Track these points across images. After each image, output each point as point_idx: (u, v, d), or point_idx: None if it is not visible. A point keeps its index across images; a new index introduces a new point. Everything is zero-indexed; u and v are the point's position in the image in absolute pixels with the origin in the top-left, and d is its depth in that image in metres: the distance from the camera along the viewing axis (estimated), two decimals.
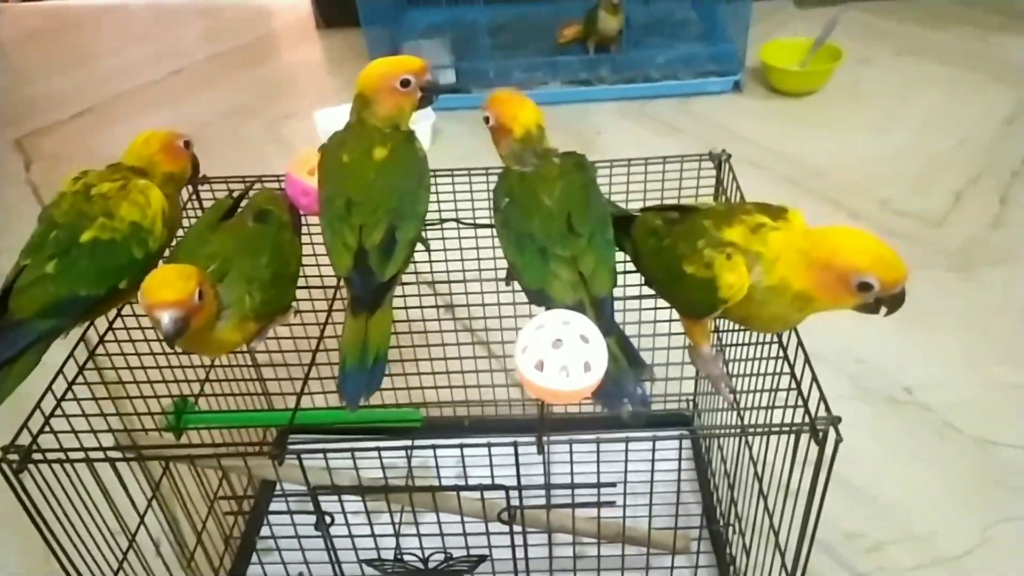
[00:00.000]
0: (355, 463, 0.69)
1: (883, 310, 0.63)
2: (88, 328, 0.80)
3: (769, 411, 0.71)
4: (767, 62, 2.04)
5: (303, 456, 0.69)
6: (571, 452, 0.68)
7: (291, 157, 0.85)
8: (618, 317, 0.71)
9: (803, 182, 1.72)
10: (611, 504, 0.71)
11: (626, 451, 0.66)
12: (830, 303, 0.63)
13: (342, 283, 0.76)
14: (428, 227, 0.92)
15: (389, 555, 0.78)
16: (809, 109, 2.01)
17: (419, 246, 0.79)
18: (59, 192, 0.78)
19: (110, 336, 0.83)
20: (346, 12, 2.32)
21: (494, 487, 0.69)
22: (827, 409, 0.63)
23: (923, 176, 1.72)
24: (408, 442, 0.69)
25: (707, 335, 0.74)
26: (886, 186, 1.69)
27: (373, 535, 0.74)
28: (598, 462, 0.67)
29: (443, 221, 0.96)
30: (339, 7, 2.49)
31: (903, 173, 1.73)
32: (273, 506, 1.08)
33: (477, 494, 0.74)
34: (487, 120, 0.79)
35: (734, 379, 0.84)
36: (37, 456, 0.67)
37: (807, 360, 0.68)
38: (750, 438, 0.86)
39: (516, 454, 0.65)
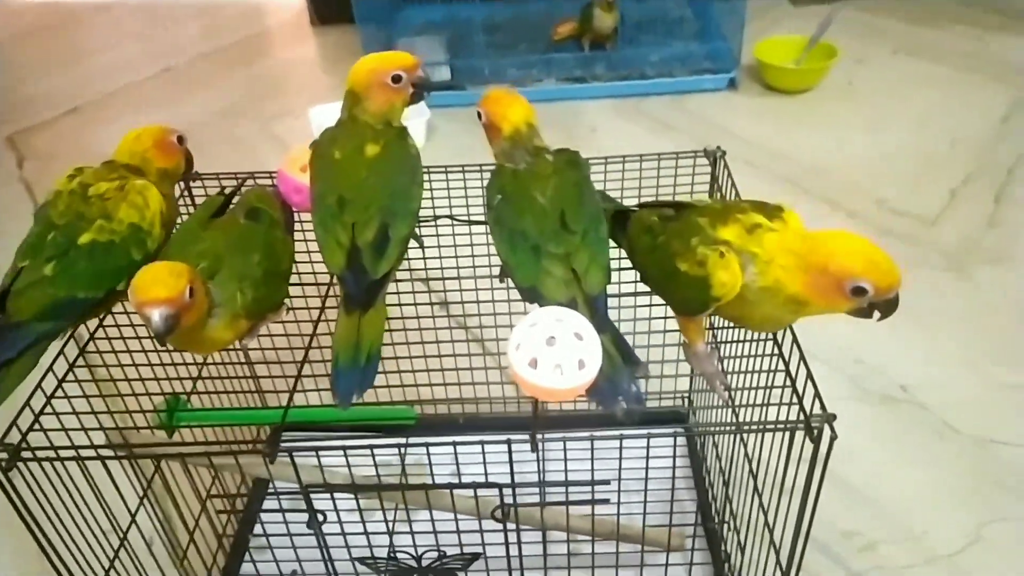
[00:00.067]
0: (347, 461, 0.69)
1: (876, 314, 0.62)
2: (78, 325, 0.79)
3: (764, 408, 0.71)
4: (762, 60, 2.04)
5: (295, 454, 0.68)
6: (565, 449, 0.67)
7: (284, 155, 0.84)
8: (613, 314, 0.70)
9: (798, 180, 1.72)
10: (605, 502, 0.71)
11: (620, 448, 0.66)
12: (824, 307, 0.63)
13: (335, 280, 0.75)
14: (422, 224, 0.91)
15: (382, 553, 0.78)
16: (804, 107, 2.01)
17: (413, 243, 0.78)
18: (54, 190, 0.78)
19: (101, 333, 0.82)
20: (341, 9, 2.31)
21: (488, 485, 0.69)
22: (822, 406, 0.63)
23: (918, 175, 1.72)
24: (401, 440, 0.69)
25: (701, 333, 0.74)
26: (881, 185, 1.69)
27: (366, 532, 0.74)
28: (592, 459, 0.66)
29: (437, 218, 0.96)
30: (334, 4, 2.48)
31: (898, 172, 1.73)
32: (266, 504, 1.07)
33: (471, 492, 0.74)
34: (480, 116, 0.79)
35: (729, 376, 0.84)
36: (27, 454, 0.66)
37: (802, 358, 0.68)
38: (745, 435, 0.86)
39: (510, 451, 0.65)
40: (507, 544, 0.73)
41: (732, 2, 2.01)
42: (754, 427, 0.67)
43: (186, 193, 0.95)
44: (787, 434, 0.65)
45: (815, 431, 0.62)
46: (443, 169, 0.96)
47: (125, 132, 0.83)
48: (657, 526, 0.87)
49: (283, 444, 0.67)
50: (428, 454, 0.69)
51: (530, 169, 0.75)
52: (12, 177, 1.94)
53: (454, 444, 0.66)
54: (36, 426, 0.70)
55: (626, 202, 0.88)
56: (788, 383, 0.68)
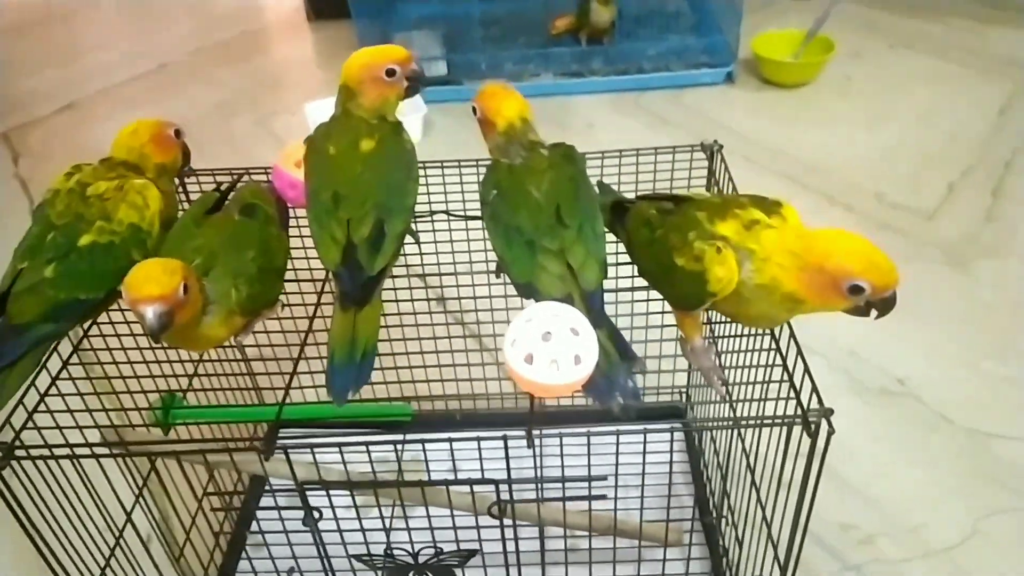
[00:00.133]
0: (343, 458, 0.69)
1: (874, 313, 0.62)
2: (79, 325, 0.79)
3: (762, 403, 0.71)
4: (759, 54, 2.03)
5: (291, 451, 0.68)
6: (561, 445, 0.67)
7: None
8: (611, 309, 0.70)
9: (795, 174, 1.72)
10: (602, 497, 0.70)
11: (616, 444, 0.65)
12: (821, 305, 0.63)
13: (330, 276, 0.75)
14: (418, 219, 0.91)
15: (379, 550, 0.78)
16: (801, 101, 2.00)
17: (408, 239, 0.78)
18: (52, 189, 0.77)
19: (95, 330, 0.82)
20: (337, 4, 2.31)
21: (484, 481, 0.68)
22: (819, 401, 0.63)
23: (916, 169, 1.72)
24: (397, 436, 0.69)
25: (698, 327, 0.74)
26: (879, 179, 1.68)
27: (362, 529, 0.74)
28: (588, 455, 0.66)
29: (433, 213, 0.95)
30: None
31: (896, 165, 1.73)
32: (263, 502, 1.07)
33: (468, 488, 0.73)
34: (475, 112, 0.79)
35: (726, 371, 0.83)
36: (20, 452, 0.66)
37: (800, 352, 0.68)
38: (742, 430, 0.85)
39: (506, 448, 0.65)
40: (504, 540, 0.72)
41: None
42: (751, 422, 0.66)
43: (181, 189, 0.95)
44: (785, 429, 0.65)
45: (812, 426, 0.62)
46: (439, 164, 0.96)
47: (120, 129, 0.83)
48: (655, 521, 0.86)
49: (280, 441, 0.67)
50: (424, 451, 0.69)
51: (525, 164, 0.74)
52: (7, 174, 1.93)
53: (450, 440, 0.66)
54: (30, 424, 0.70)
55: None
56: (785, 378, 0.68)
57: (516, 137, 0.76)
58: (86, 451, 0.68)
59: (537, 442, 0.64)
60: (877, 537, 1.02)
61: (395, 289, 1.01)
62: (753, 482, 0.81)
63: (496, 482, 0.68)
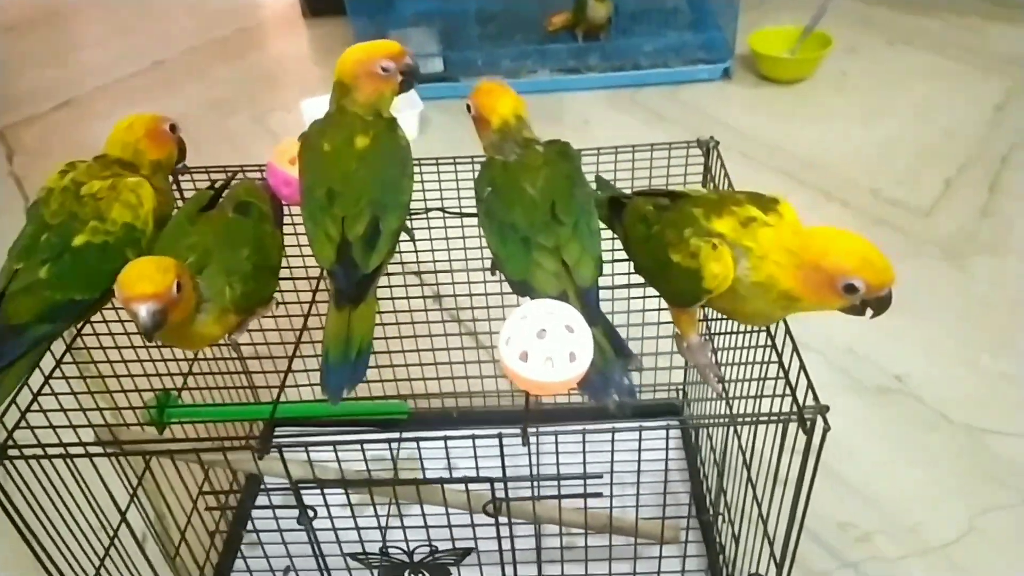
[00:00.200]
0: (337, 456, 0.68)
1: (869, 312, 0.62)
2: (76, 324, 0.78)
3: (758, 400, 0.71)
4: (756, 50, 2.03)
5: (285, 450, 0.68)
6: (556, 443, 0.67)
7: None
8: (607, 306, 0.70)
9: (792, 170, 1.72)
10: (598, 495, 0.70)
11: (612, 441, 0.65)
12: (816, 303, 0.62)
13: (325, 273, 0.75)
14: (414, 216, 0.91)
15: (375, 549, 0.78)
16: (798, 97, 2.00)
17: (404, 236, 0.78)
18: (46, 188, 0.77)
19: (88, 329, 0.81)
20: (333, 1, 2.29)
21: (478, 479, 0.68)
22: (815, 398, 0.63)
23: (913, 164, 1.71)
24: (391, 434, 0.69)
25: (694, 324, 0.74)
26: (876, 175, 1.68)
27: (357, 527, 0.73)
28: (584, 452, 0.66)
29: (428, 210, 0.95)
30: None
31: (892, 162, 1.73)
32: (259, 500, 1.07)
33: (463, 486, 0.73)
34: (469, 109, 0.79)
35: (723, 368, 0.83)
36: (13, 452, 0.65)
37: (795, 349, 0.68)
38: (738, 427, 0.85)
39: (501, 446, 0.65)
40: (499, 538, 0.72)
41: None
42: (747, 419, 0.66)
43: (175, 187, 0.94)
44: (780, 426, 0.65)
45: (808, 423, 0.62)
46: (434, 161, 0.95)
47: (115, 124, 0.82)
48: (652, 518, 0.86)
49: (275, 439, 0.67)
50: (418, 448, 0.69)
51: (520, 161, 0.74)
52: (3, 172, 1.92)
53: (444, 439, 0.66)
54: (23, 424, 0.69)
55: None
56: (781, 375, 0.68)
57: (511, 134, 0.76)
58: (80, 450, 0.67)
59: (533, 440, 0.63)
60: (874, 534, 1.02)
61: (391, 287, 1.00)
62: (749, 479, 0.81)
63: (491, 480, 0.68)
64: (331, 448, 0.68)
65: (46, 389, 0.74)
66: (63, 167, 0.78)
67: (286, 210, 0.87)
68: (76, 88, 2.29)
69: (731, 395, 0.78)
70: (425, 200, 0.95)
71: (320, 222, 0.72)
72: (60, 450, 0.67)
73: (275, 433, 1.13)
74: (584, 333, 0.60)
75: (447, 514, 0.74)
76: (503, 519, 0.71)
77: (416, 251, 0.95)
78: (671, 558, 0.90)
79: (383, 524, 0.79)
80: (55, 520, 0.73)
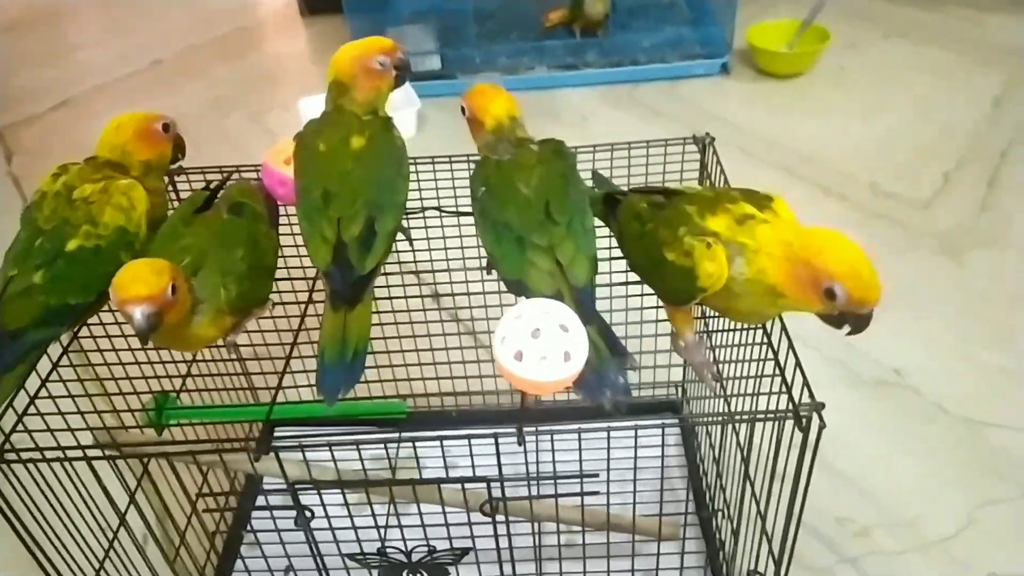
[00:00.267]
0: (333, 456, 0.68)
1: (845, 328, 0.61)
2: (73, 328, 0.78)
3: (755, 397, 0.71)
4: (754, 44, 2.03)
5: (282, 451, 0.68)
6: (552, 442, 0.67)
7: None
8: (604, 304, 0.70)
9: (791, 165, 1.71)
10: (595, 493, 0.70)
11: (608, 440, 0.65)
12: (797, 301, 0.62)
13: (321, 274, 0.75)
14: (410, 216, 0.90)
15: (373, 549, 0.78)
16: (797, 92, 2.00)
17: (400, 236, 0.77)
18: (40, 191, 0.77)
19: (85, 331, 0.81)
20: None
21: (475, 479, 0.68)
22: (811, 395, 0.63)
23: (911, 159, 1.71)
24: (387, 435, 0.69)
25: (690, 322, 0.74)
26: (874, 169, 1.68)
27: (354, 527, 0.74)
28: (580, 451, 0.66)
29: (425, 209, 0.95)
30: None
31: (891, 155, 1.73)
32: (258, 501, 1.07)
33: (460, 486, 0.73)
34: (463, 111, 0.79)
35: (720, 365, 0.83)
36: (11, 455, 0.65)
37: (791, 346, 0.68)
38: (736, 425, 0.85)
39: (497, 446, 0.65)
40: (496, 537, 0.72)
41: None
42: (743, 417, 0.66)
43: (171, 188, 0.94)
44: (777, 423, 0.65)
45: (803, 420, 0.62)
46: (430, 160, 0.95)
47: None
48: (651, 515, 0.86)
49: (274, 441, 0.67)
50: (414, 448, 0.69)
51: (514, 160, 0.74)
52: (1, 172, 1.92)
53: (440, 439, 0.66)
54: (20, 427, 0.69)
55: None
56: (777, 372, 0.68)
57: (505, 135, 0.76)
58: (78, 453, 0.68)
59: (530, 439, 0.63)
60: (873, 529, 1.02)
61: (388, 287, 1.00)
62: (747, 476, 0.81)
63: (488, 480, 0.68)
64: (328, 449, 0.68)
65: (43, 392, 0.74)
66: (55, 170, 0.78)
67: (282, 210, 0.87)
68: (75, 88, 2.28)
69: (728, 393, 0.78)
70: (422, 199, 0.95)
71: (316, 223, 0.72)
72: (58, 453, 0.67)
73: (275, 434, 1.13)
74: (579, 332, 0.60)
75: (444, 514, 0.74)
76: (500, 518, 0.71)
77: (414, 250, 0.95)
78: (670, 555, 0.90)
79: (381, 524, 0.80)
80: (54, 523, 0.73)
